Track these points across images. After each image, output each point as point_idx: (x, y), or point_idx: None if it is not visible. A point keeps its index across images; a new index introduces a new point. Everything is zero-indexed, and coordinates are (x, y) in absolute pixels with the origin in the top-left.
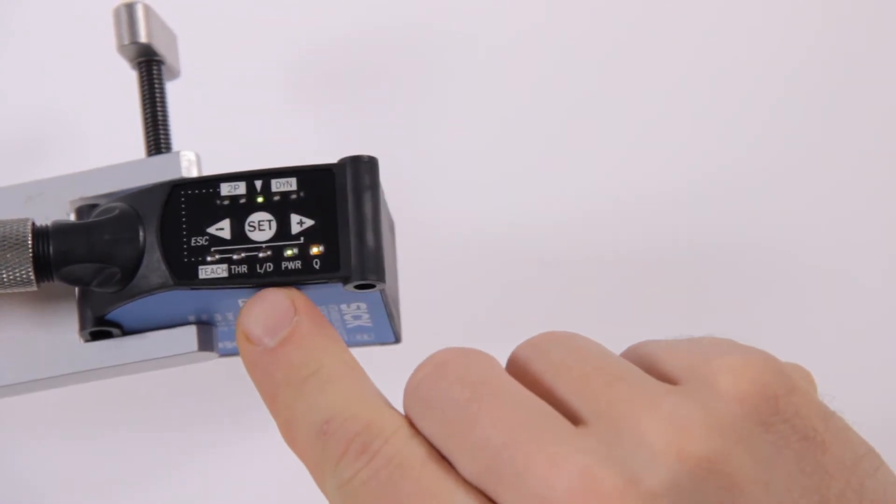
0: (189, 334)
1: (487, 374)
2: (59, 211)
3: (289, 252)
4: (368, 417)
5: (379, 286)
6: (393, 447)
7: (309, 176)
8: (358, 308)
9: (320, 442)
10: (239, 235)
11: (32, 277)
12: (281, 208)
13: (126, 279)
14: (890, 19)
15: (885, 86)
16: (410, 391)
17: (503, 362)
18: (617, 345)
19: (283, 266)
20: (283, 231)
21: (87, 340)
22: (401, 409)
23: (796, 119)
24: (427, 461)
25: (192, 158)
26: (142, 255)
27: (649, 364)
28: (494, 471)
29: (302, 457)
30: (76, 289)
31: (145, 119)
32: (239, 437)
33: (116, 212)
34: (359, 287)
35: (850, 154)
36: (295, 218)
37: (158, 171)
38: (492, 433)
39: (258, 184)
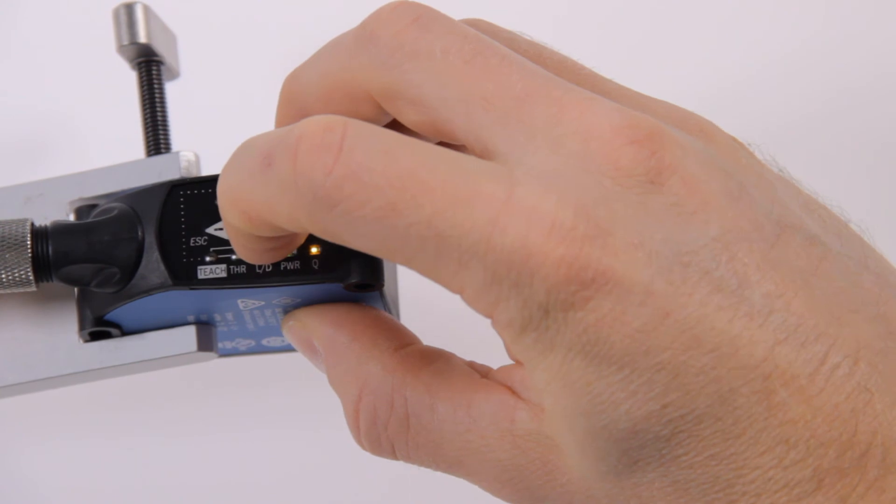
0: (188, 334)
1: (477, 33)
2: (58, 211)
3: None
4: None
5: (378, 286)
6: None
7: None
8: None
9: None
10: None
11: (31, 278)
12: None
13: (125, 279)
14: None
15: None
16: (387, 37)
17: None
18: None
19: (282, 266)
20: None
21: (86, 341)
22: None
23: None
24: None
25: (191, 159)
26: (141, 256)
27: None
28: (515, 117)
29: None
30: (75, 289)
31: (145, 119)
32: (239, 436)
33: (115, 212)
34: (358, 287)
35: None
36: None
37: (158, 172)
38: (512, 83)
39: None
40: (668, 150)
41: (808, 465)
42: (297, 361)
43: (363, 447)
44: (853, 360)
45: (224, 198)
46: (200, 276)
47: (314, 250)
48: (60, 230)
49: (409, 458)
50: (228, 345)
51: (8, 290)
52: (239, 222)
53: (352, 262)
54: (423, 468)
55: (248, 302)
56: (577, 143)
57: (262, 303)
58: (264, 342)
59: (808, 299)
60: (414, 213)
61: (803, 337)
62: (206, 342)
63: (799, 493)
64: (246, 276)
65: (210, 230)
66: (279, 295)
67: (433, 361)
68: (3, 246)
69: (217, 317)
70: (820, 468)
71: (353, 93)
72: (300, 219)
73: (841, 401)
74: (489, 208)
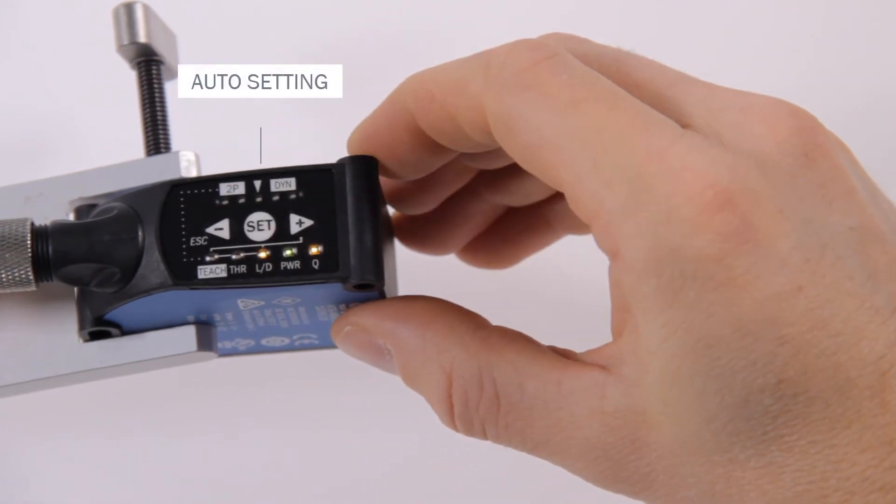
0: (188, 334)
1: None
2: (58, 211)
3: (288, 252)
4: None
5: (378, 286)
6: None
7: (308, 176)
8: None
9: None
10: (238, 235)
11: (31, 277)
12: (280, 208)
13: (125, 279)
14: None
15: None
16: (516, 68)
17: None
18: None
19: (282, 266)
20: (282, 231)
21: (86, 340)
22: None
23: None
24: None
25: (191, 158)
26: (141, 255)
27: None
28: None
29: None
30: (75, 289)
31: (145, 119)
32: (239, 436)
33: (115, 212)
34: (358, 287)
35: None
36: (294, 218)
37: (158, 171)
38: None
39: (257, 184)
40: (822, 132)
41: None
42: (297, 361)
43: (457, 431)
44: None
45: (421, 77)
46: (200, 275)
47: (314, 250)
48: (60, 230)
49: (499, 439)
50: (228, 345)
51: (8, 290)
52: (413, 101)
53: (352, 261)
54: (513, 450)
55: (248, 302)
56: (734, 115)
57: (263, 302)
58: (264, 342)
59: None
60: (591, 117)
61: None
62: (206, 342)
63: (893, 498)
64: (246, 276)
65: (210, 230)
66: (279, 295)
67: (514, 340)
68: (3, 245)
69: (217, 317)
70: None
71: (465, 106)
72: (485, 97)
73: None
74: (658, 139)
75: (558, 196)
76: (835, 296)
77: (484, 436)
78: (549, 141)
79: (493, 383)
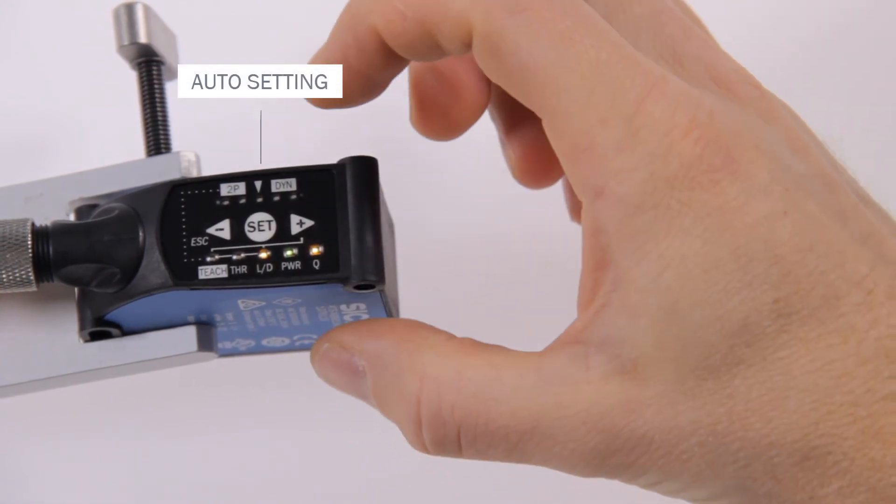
0: (189, 334)
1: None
2: (58, 211)
3: (288, 252)
4: None
5: (378, 287)
6: None
7: (308, 176)
8: (358, 308)
9: None
10: (239, 236)
11: (32, 278)
12: (281, 209)
13: (126, 279)
14: None
15: None
16: None
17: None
18: None
19: (283, 266)
20: (282, 231)
21: (86, 341)
22: None
23: None
24: None
25: (191, 159)
26: (141, 256)
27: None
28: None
29: None
30: (76, 289)
31: (145, 119)
32: (239, 436)
33: (116, 212)
34: (358, 287)
35: None
36: (295, 218)
37: (158, 172)
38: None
39: (258, 184)
40: (778, 102)
41: None
42: (297, 362)
43: (424, 443)
44: None
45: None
46: (201, 276)
47: (315, 251)
48: (61, 230)
49: (475, 442)
50: (228, 345)
51: (8, 290)
52: (382, 21)
53: (352, 262)
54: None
55: (248, 302)
56: (699, 67)
57: (263, 303)
58: (264, 342)
59: (893, 242)
60: (586, 49)
61: None
62: (207, 342)
63: None
64: (247, 277)
65: (211, 230)
66: (280, 295)
67: (488, 346)
68: (3, 246)
69: (217, 317)
70: None
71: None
72: (473, 15)
73: None
74: (648, 78)
75: None
76: (815, 223)
77: (457, 445)
78: (544, 68)
79: (469, 382)
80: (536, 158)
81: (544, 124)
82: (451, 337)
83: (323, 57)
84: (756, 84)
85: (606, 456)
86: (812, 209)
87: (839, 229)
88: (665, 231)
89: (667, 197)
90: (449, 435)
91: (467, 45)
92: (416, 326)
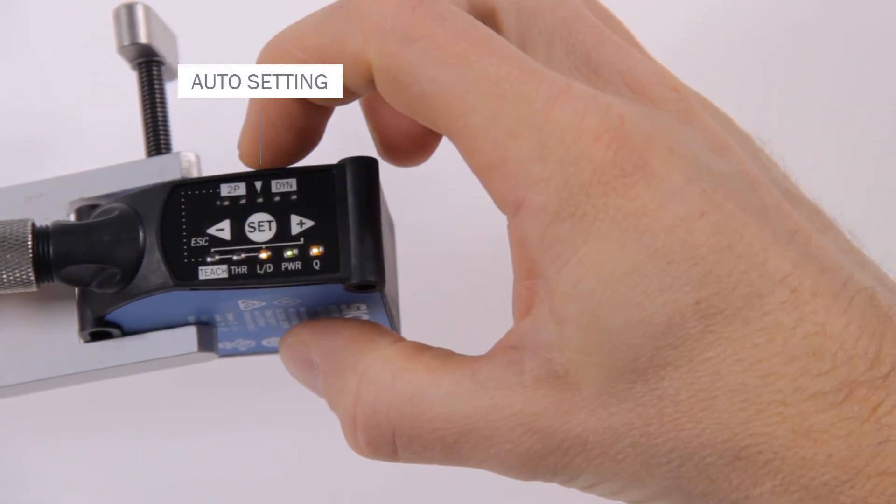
0: (189, 335)
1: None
2: (58, 211)
3: (289, 253)
4: None
5: (378, 287)
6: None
7: (309, 177)
8: (358, 308)
9: None
10: (239, 236)
11: (32, 278)
12: (281, 209)
13: (126, 280)
14: None
15: None
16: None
17: None
18: None
19: (283, 267)
20: (282, 232)
21: (86, 341)
22: None
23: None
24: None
25: (191, 159)
26: (142, 256)
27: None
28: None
29: None
30: (76, 289)
31: (145, 120)
32: (239, 436)
33: (116, 212)
34: (358, 288)
35: None
36: (295, 219)
37: (158, 172)
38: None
39: (258, 184)
40: (695, 96)
41: (837, 376)
42: None
43: (358, 443)
44: (870, 293)
45: (279, 43)
46: (201, 276)
47: (315, 251)
48: (61, 230)
49: (410, 444)
50: (229, 345)
51: (9, 291)
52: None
53: (352, 262)
54: (415, 465)
55: (248, 302)
56: (613, 73)
57: (263, 303)
58: (264, 342)
59: (820, 239)
60: (485, 67)
61: (822, 264)
62: (207, 342)
63: (827, 403)
64: (247, 277)
65: (211, 230)
66: (280, 295)
67: (431, 349)
68: (4, 246)
69: (218, 317)
70: (848, 380)
71: (347, 57)
72: (369, 52)
73: (865, 321)
74: (552, 88)
75: None
76: (734, 223)
77: (392, 446)
78: (444, 93)
79: (406, 385)
80: (396, 138)
81: (458, 148)
82: (397, 340)
83: (246, 123)
84: (674, 85)
85: (542, 456)
86: (731, 208)
87: (760, 228)
88: (583, 238)
89: (583, 204)
90: (384, 436)
91: (371, 82)
92: (367, 328)
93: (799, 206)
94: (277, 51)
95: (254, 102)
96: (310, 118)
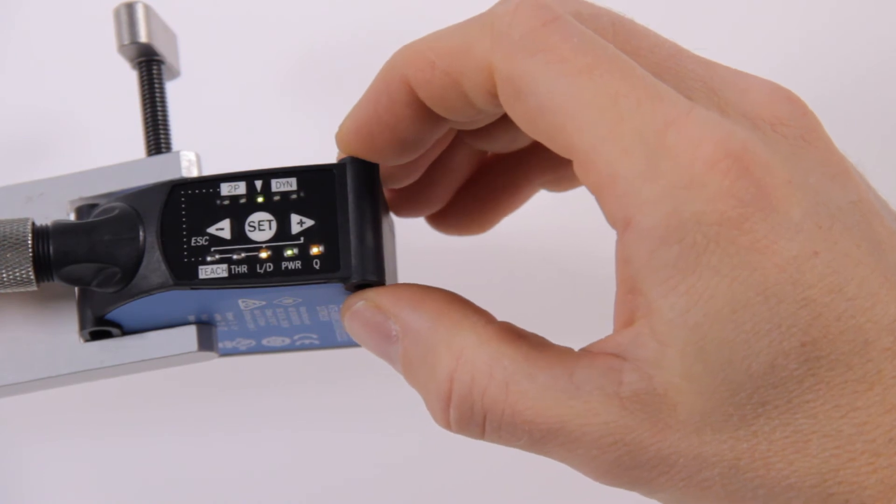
0: (189, 334)
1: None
2: (59, 211)
3: (289, 252)
4: None
5: (379, 286)
6: None
7: (309, 176)
8: None
9: None
10: (239, 235)
11: (32, 277)
12: (281, 208)
13: (126, 279)
14: None
15: None
16: (519, 30)
17: None
18: None
19: (284, 266)
20: (283, 231)
21: (86, 340)
22: None
23: None
24: None
25: (192, 158)
26: (142, 255)
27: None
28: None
29: None
30: (76, 289)
31: (145, 119)
32: (239, 436)
33: (116, 212)
34: (359, 287)
35: None
36: (295, 218)
37: (158, 171)
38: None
39: (258, 184)
40: (814, 118)
41: None
42: (297, 361)
43: (448, 420)
44: None
45: (415, 45)
46: (202, 275)
47: (315, 250)
48: (61, 230)
49: (499, 430)
50: (229, 344)
51: (9, 290)
52: (412, 71)
53: (353, 261)
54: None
55: (248, 302)
56: (734, 94)
57: (264, 302)
58: (264, 342)
59: None
60: (606, 83)
61: None
62: (207, 342)
63: None
64: (247, 276)
65: (211, 230)
66: (280, 295)
67: (527, 336)
68: (4, 245)
69: (218, 316)
70: None
71: (471, 71)
72: (494, 59)
73: None
74: (673, 109)
75: (537, 145)
76: (847, 262)
77: (481, 428)
78: (563, 106)
79: (503, 370)
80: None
81: (574, 165)
82: (490, 320)
83: (357, 105)
84: (789, 96)
85: (627, 469)
86: (845, 246)
87: (872, 267)
88: (692, 267)
89: (693, 231)
90: (475, 418)
91: (493, 95)
92: (453, 300)
93: None
94: (409, 51)
95: (380, 83)
96: (427, 121)
